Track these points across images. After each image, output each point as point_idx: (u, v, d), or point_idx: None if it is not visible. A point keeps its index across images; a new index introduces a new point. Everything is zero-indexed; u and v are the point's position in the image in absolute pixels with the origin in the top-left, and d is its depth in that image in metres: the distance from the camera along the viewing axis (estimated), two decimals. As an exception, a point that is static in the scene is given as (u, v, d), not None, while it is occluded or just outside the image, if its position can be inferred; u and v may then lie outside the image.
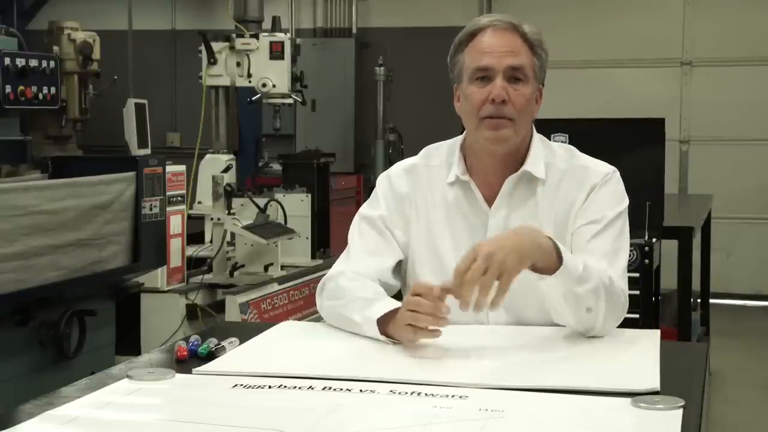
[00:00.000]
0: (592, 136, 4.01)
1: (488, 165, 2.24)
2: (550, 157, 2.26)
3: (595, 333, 2.09)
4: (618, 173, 2.27)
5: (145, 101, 5.61)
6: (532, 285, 2.17)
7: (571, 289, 2.04)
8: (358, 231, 2.32)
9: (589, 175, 2.24)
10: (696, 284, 5.47)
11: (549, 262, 2.02)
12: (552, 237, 2.05)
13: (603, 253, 2.16)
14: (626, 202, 2.26)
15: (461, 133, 2.32)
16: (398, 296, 2.29)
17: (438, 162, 2.31)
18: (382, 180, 2.35)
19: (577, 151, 2.31)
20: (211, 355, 1.93)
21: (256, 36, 5.70)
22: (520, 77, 2.17)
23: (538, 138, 2.28)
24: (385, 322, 2.04)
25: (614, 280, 2.12)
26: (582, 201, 2.21)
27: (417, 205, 2.30)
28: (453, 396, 1.65)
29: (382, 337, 2.03)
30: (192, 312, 4.70)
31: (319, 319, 2.31)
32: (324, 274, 2.31)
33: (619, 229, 2.21)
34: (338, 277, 2.23)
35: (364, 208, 2.34)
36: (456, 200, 2.27)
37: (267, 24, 6.15)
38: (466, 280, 1.90)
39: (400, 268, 2.31)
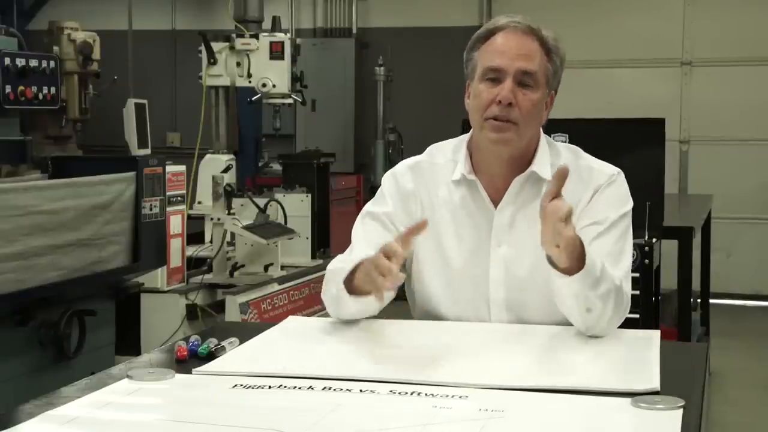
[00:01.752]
0: (592, 136, 4.00)
1: (495, 165, 2.24)
2: (555, 158, 2.26)
3: (596, 332, 2.09)
4: (623, 175, 2.27)
5: (145, 101, 5.61)
6: (533, 285, 2.17)
7: (584, 291, 2.04)
8: (361, 225, 2.32)
9: (593, 175, 2.24)
10: (696, 284, 5.46)
11: (572, 263, 2.01)
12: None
13: (605, 254, 2.16)
14: (630, 204, 2.25)
15: (462, 133, 2.32)
16: (399, 298, 2.29)
17: (443, 160, 2.31)
18: (388, 178, 2.35)
19: (582, 151, 2.31)
20: (211, 355, 1.93)
21: (256, 36, 5.70)
22: (530, 83, 2.17)
23: (544, 140, 2.28)
24: (351, 280, 2.09)
25: (619, 280, 2.12)
26: (586, 202, 2.21)
27: (422, 202, 2.30)
28: (453, 396, 1.65)
29: (351, 298, 2.09)
30: (192, 312, 4.71)
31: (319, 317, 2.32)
32: (324, 275, 2.31)
33: (623, 230, 2.21)
34: (332, 266, 2.25)
35: (369, 206, 2.34)
36: (461, 199, 2.27)
37: (267, 24, 6.15)
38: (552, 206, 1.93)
39: (404, 264, 2.31)
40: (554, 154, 2.27)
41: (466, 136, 2.31)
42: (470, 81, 2.25)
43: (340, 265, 2.20)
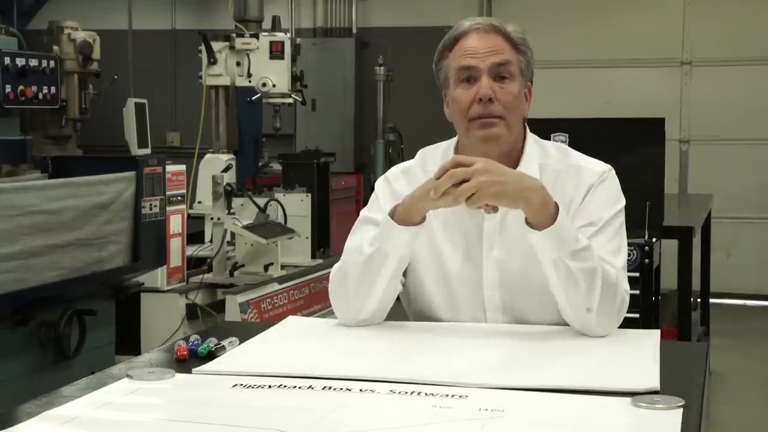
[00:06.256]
0: (592, 136, 4.02)
1: None
2: (544, 157, 2.25)
3: (591, 325, 2.08)
4: (613, 172, 2.26)
5: (145, 101, 5.61)
6: (528, 286, 2.17)
7: (563, 258, 2.03)
8: (360, 231, 2.31)
9: (584, 174, 2.23)
10: (696, 284, 5.47)
11: (541, 218, 2.03)
12: (558, 203, 2.06)
13: (601, 253, 2.15)
14: (623, 201, 2.24)
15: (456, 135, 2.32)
16: (397, 299, 2.29)
17: (433, 166, 2.31)
18: (381, 183, 2.34)
19: (571, 150, 2.29)
20: (211, 355, 1.93)
21: (256, 36, 5.69)
22: (505, 75, 2.17)
23: (531, 138, 2.27)
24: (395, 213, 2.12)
25: (614, 274, 2.11)
26: (579, 202, 2.20)
27: None
28: (453, 396, 1.65)
29: (402, 228, 2.10)
30: (192, 312, 4.70)
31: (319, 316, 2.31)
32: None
33: (617, 228, 2.20)
34: (347, 249, 2.24)
35: (365, 211, 2.33)
36: None
37: (267, 24, 6.15)
38: (444, 177, 2.00)
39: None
40: (542, 153, 2.26)
41: (453, 141, 2.31)
42: (446, 90, 2.25)
43: (357, 243, 2.20)
